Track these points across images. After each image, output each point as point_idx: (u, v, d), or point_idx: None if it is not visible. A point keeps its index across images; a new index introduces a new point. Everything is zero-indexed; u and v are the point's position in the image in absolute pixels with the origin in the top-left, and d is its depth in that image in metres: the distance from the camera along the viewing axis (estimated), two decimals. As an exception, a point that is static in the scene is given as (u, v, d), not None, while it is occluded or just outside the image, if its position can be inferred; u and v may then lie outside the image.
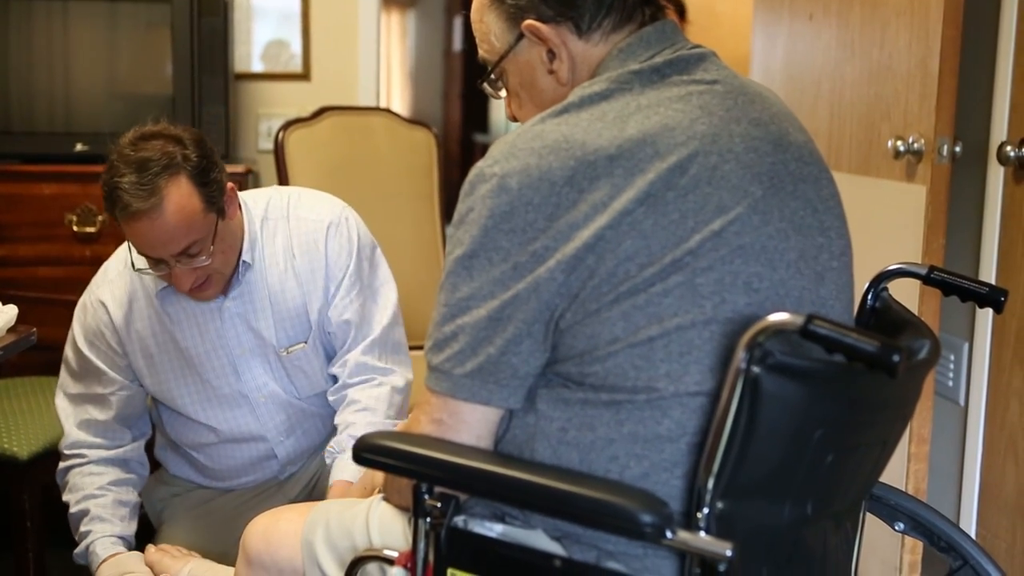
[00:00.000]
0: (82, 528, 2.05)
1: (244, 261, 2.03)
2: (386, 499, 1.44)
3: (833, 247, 1.31)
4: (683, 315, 1.18)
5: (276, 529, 1.55)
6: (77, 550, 2.06)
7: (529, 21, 1.36)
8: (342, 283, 2.07)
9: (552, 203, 1.20)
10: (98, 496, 2.07)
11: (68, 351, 2.13)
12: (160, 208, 1.83)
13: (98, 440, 2.11)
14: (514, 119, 1.46)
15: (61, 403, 2.14)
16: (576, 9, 1.35)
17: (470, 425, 1.25)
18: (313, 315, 2.08)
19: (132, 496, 2.12)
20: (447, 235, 1.28)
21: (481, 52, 1.45)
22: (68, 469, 2.11)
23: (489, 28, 1.41)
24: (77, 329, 2.10)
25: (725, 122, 1.26)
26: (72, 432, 2.11)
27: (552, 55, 1.37)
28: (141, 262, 1.94)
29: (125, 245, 2.12)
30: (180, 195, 1.85)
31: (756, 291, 1.21)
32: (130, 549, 2.06)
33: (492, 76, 1.45)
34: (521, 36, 1.38)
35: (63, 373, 2.15)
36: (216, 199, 1.92)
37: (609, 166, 1.20)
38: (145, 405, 2.17)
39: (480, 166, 1.26)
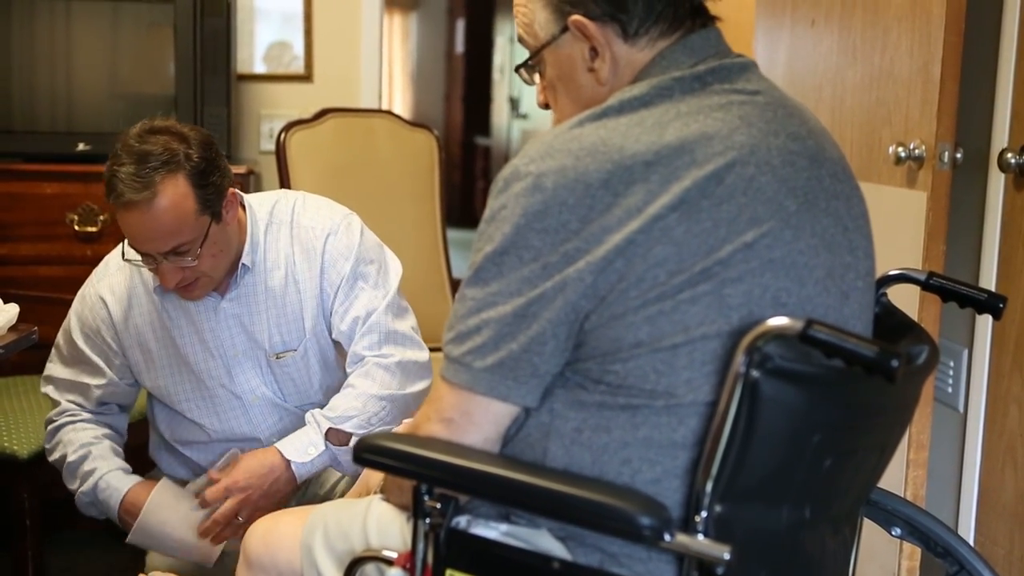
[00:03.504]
0: (85, 468, 2.05)
1: (243, 264, 2.04)
2: (386, 498, 1.44)
3: (860, 267, 1.31)
4: (709, 325, 1.18)
5: (276, 532, 1.55)
6: (83, 489, 2.05)
7: (576, 17, 1.34)
8: (340, 288, 2.07)
9: (586, 205, 1.19)
10: (96, 443, 2.08)
11: (61, 338, 2.15)
12: (152, 203, 1.85)
13: (85, 414, 2.13)
14: (545, 106, 1.45)
15: (48, 388, 2.17)
16: (626, 12, 1.33)
17: (480, 425, 1.25)
18: (308, 322, 2.08)
19: (121, 452, 2.13)
20: (478, 231, 1.27)
21: (522, 36, 1.43)
22: (59, 427, 2.12)
23: (533, 15, 1.39)
24: (74, 320, 2.12)
25: (764, 134, 1.25)
26: (64, 404, 2.14)
27: (595, 53, 1.36)
28: (131, 253, 1.96)
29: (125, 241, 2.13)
30: (175, 193, 1.86)
31: (783, 306, 1.20)
32: None
33: (530, 63, 1.43)
34: (565, 29, 1.36)
35: (53, 359, 2.16)
36: (212, 202, 1.92)
37: (645, 172, 1.19)
38: (128, 394, 2.18)
39: (516, 163, 1.25)
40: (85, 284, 2.14)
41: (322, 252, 2.07)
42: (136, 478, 2.06)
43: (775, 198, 1.22)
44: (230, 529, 1.97)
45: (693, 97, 1.27)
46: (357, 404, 2.02)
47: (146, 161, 1.85)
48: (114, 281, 2.09)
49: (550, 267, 1.20)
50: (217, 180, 1.93)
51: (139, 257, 1.94)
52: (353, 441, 1.99)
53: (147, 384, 2.12)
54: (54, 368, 2.16)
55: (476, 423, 1.25)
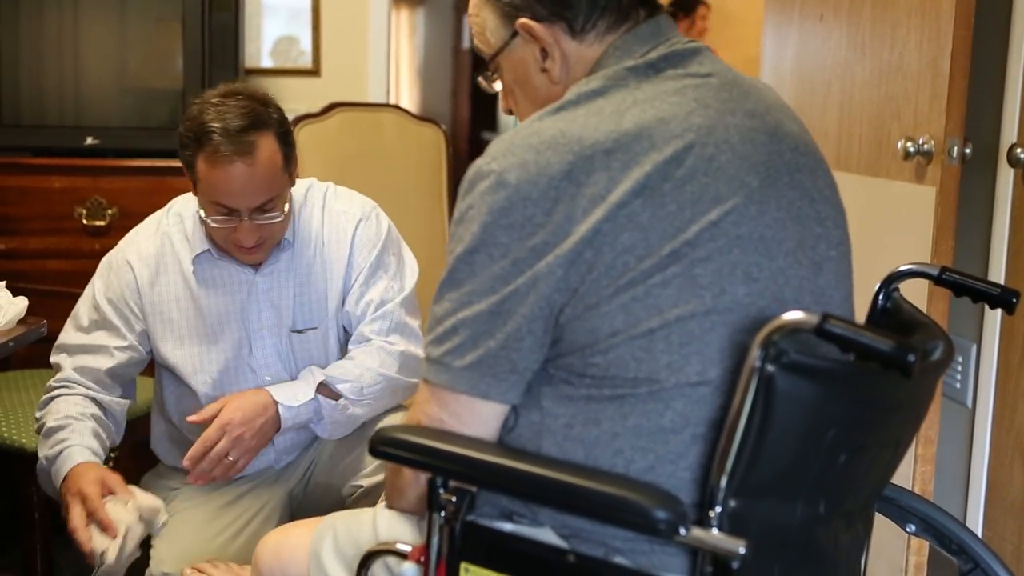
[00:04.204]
0: (59, 436, 2.00)
1: (286, 238, 2.10)
2: (389, 505, 1.44)
3: (831, 236, 1.32)
4: (683, 306, 1.19)
5: (287, 544, 1.56)
6: (47, 454, 1.99)
7: (523, 20, 1.37)
8: (363, 271, 2.14)
9: (550, 198, 1.21)
10: (81, 420, 2.03)
11: (82, 306, 2.13)
12: (253, 157, 1.91)
13: (90, 384, 2.09)
14: (509, 112, 1.48)
15: (58, 357, 2.13)
16: (570, 9, 1.36)
17: (469, 424, 1.26)
18: (331, 303, 2.13)
19: (106, 439, 2.07)
20: (449, 234, 1.30)
21: (477, 44, 1.47)
22: (53, 398, 2.08)
23: (485, 23, 1.43)
24: (99, 284, 2.12)
25: (720, 114, 1.27)
26: (68, 371, 2.10)
27: (545, 54, 1.38)
28: (211, 212, 1.97)
29: (156, 215, 2.16)
30: (269, 148, 1.94)
31: (755, 281, 1.22)
32: None
33: (488, 71, 1.46)
34: (515, 34, 1.39)
35: (68, 329, 2.14)
36: (291, 162, 2.01)
37: (606, 159, 1.21)
38: (138, 366, 2.16)
39: (479, 164, 1.27)
40: (112, 251, 2.15)
41: (352, 236, 2.14)
42: (93, 460, 1.98)
43: (737, 175, 1.24)
44: (221, 468, 2.00)
45: (648, 84, 1.29)
46: (355, 371, 2.08)
47: (239, 118, 1.91)
48: (143, 248, 2.12)
49: (520, 262, 1.21)
50: (292, 140, 2.02)
51: (216, 216, 1.97)
52: (341, 402, 2.06)
53: (162, 353, 2.12)
54: (68, 336, 2.14)
55: (465, 423, 1.26)
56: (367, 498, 2.06)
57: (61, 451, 1.99)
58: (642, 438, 1.21)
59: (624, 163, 1.21)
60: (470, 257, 1.24)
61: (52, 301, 2.73)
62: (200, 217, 2.02)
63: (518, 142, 1.25)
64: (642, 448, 1.21)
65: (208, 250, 2.09)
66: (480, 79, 1.48)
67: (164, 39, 3.22)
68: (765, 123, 1.30)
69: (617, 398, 1.21)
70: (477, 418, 1.26)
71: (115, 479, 1.94)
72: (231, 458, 1.99)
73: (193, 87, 3.13)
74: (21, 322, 2.14)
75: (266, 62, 3.73)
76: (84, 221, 3.06)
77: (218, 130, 1.89)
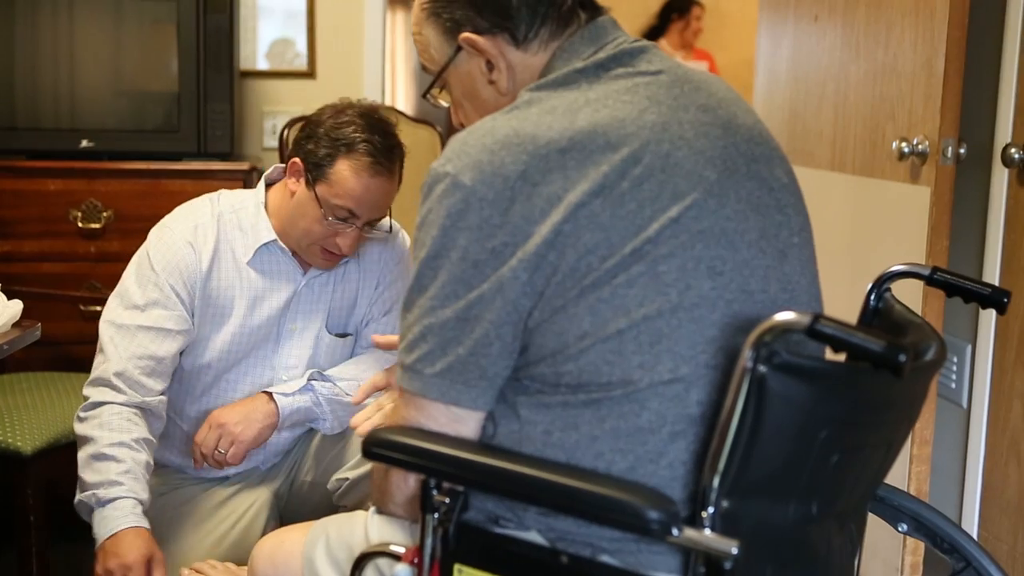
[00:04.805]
0: (114, 475, 1.91)
1: None
2: (377, 509, 1.44)
3: (792, 224, 1.33)
4: (649, 305, 1.20)
5: (281, 550, 1.56)
6: (96, 489, 1.91)
7: (465, 34, 1.38)
8: (386, 281, 2.23)
9: (506, 198, 1.21)
10: (136, 450, 1.96)
11: (134, 283, 2.05)
12: (393, 175, 2.05)
13: (142, 380, 2.01)
14: (462, 126, 1.48)
15: (109, 331, 2.03)
16: (511, 20, 1.37)
17: (448, 429, 1.27)
18: (361, 310, 2.22)
19: (152, 463, 2.02)
20: (413, 239, 1.31)
21: (423, 62, 1.48)
22: (103, 403, 1.99)
23: (428, 40, 1.44)
24: (157, 260, 2.04)
25: (673, 110, 1.28)
26: (120, 361, 2.00)
27: (491, 66, 1.39)
28: (330, 213, 2.03)
29: (202, 202, 2.14)
30: (400, 171, 2.08)
31: (720, 274, 1.22)
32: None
33: (436, 87, 1.48)
34: (459, 48, 1.40)
35: (115, 307, 2.05)
36: (400, 185, 2.11)
37: (561, 159, 1.22)
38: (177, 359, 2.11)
39: (434, 166, 1.27)
40: (160, 230, 2.09)
41: (389, 247, 2.23)
42: (143, 524, 1.93)
43: (694, 170, 1.24)
44: (212, 461, 2.07)
45: (599, 84, 1.30)
46: (354, 371, 2.18)
47: (388, 136, 2.05)
48: (198, 237, 2.08)
49: (481, 265, 1.21)
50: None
51: (333, 218, 2.03)
52: (336, 389, 2.14)
53: (197, 339, 2.10)
54: (118, 315, 2.04)
55: (444, 426, 1.27)
56: (354, 490, 2.07)
57: (114, 499, 1.91)
58: (621, 440, 1.21)
59: (580, 162, 1.21)
60: (433, 262, 1.24)
61: (47, 304, 2.74)
62: (263, 205, 2.11)
63: (472, 142, 1.25)
64: (621, 450, 1.21)
65: (268, 243, 2.10)
66: (428, 96, 1.50)
67: (159, 42, 3.22)
68: (718, 116, 1.31)
69: (593, 402, 1.21)
70: (455, 422, 1.26)
71: (159, 559, 1.92)
72: (221, 449, 2.05)
73: (188, 90, 3.13)
74: (16, 325, 2.13)
75: (262, 64, 3.73)
76: (79, 224, 3.06)
77: (372, 141, 2.00)
